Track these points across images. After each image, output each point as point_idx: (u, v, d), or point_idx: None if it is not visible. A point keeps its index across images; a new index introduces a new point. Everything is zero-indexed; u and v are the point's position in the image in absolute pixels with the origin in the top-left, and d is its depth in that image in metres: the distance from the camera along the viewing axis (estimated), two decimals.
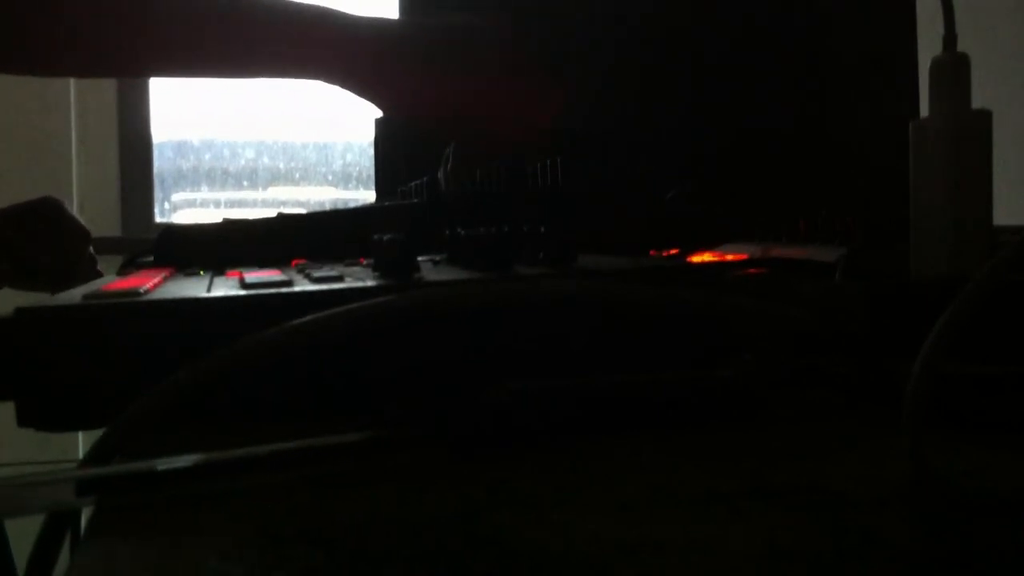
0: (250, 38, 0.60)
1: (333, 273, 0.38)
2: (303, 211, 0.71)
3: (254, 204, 2.27)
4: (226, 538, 0.21)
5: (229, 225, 0.59)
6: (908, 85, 0.83)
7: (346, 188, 2.33)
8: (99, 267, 1.00)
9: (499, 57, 0.63)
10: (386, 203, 0.89)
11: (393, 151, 0.98)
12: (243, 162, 2.28)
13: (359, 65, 0.62)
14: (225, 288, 0.35)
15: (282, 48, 0.61)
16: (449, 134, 0.71)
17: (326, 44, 0.61)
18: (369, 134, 1.08)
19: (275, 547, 0.20)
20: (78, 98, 1.96)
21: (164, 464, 0.24)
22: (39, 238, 0.94)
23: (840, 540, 0.20)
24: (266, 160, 2.30)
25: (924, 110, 0.43)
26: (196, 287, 0.37)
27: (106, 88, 2.00)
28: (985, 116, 0.40)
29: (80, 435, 1.49)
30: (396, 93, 0.63)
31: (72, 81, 1.94)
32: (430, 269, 0.40)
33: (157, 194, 2.12)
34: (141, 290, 0.34)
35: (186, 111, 2.21)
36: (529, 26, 0.82)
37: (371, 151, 1.10)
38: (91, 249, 0.99)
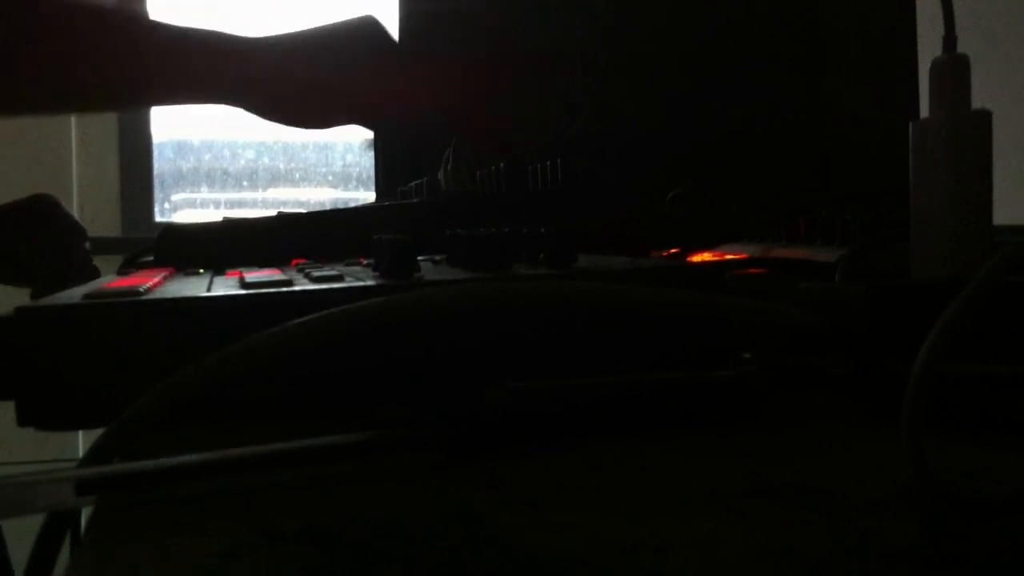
0: (145, 68, 0.58)
1: (333, 273, 0.38)
2: (303, 211, 0.71)
3: (254, 204, 2.27)
4: (226, 538, 0.21)
5: (229, 225, 0.59)
6: (908, 85, 0.83)
7: (346, 189, 2.33)
8: (99, 267, 0.99)
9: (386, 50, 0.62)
10: (386, 203, 0.89)
11: (393, 151, 0.98)
12: (243, 162, 2.28)
13: (256, 83, 0.60)
14: (225, 288, 0.35)
15: (176, 76, 0.59)
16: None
17: (219, 66, 0.59)
18: (369, 135, 1.08)
19: (275, 547, 0.20)
20: None
21: (164, 464, 0.24)
22: (33, 236, 0.93)
23: (840, 540, 0.20)
24: (266, 160, 2.30)
25: (924, 110, 0.43)
26: (196, 287, 0.37)
27: None
28: (985, 116, 0.40)
29: (80, 435, 1.49)
30: (293, 110, 0.62)
31: None
32: (430, 269, 0.40)
33: (157, 194, 2.12)
34: (141, 289, 0.34)
35: (186, 111, 2.20)
36: (521, 19, 0.82)
37: (371, 151, 1.10)
38: (87, 246, 0.98)
